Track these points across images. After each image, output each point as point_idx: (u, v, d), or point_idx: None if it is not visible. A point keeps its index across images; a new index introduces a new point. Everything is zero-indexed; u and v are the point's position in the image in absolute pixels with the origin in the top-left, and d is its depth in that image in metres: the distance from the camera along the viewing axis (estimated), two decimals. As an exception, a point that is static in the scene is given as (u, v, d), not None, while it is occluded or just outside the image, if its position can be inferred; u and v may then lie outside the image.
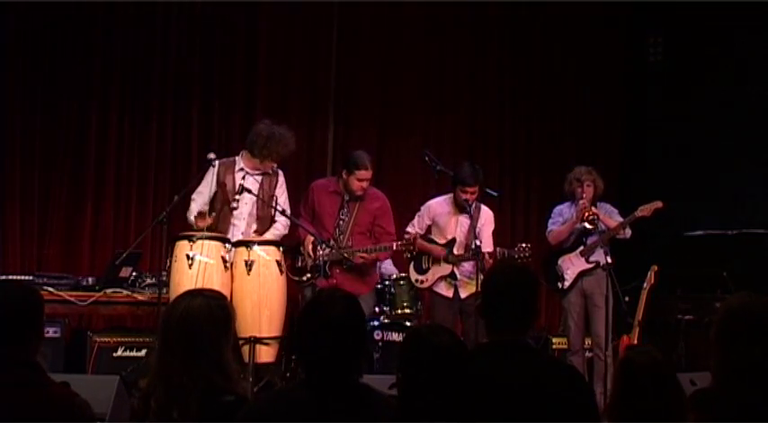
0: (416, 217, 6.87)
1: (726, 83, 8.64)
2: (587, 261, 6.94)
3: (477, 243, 6.46)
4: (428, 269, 6.81)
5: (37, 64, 7.61)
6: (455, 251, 6.71)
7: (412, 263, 6.89)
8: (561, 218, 7.11)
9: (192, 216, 6.14)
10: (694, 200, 8.15)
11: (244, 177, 6.15)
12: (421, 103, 9.04)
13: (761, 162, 8.34)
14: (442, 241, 6.77)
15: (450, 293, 6.70)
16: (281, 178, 6.32)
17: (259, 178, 6.21)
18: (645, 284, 6.99)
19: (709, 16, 8.73)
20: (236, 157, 6.26)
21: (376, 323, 7.09)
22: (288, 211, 6.27)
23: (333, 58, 8.77)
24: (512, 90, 9.40)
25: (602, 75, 9.60)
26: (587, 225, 6.82)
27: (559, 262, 7.05)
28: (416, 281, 6.89)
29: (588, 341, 7.03)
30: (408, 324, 7.19)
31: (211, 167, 6.17)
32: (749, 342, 2.88)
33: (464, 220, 6.70)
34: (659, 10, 9.01)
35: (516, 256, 6.55)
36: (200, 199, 6.17)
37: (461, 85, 9.21)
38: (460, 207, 6.69)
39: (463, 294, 6.69)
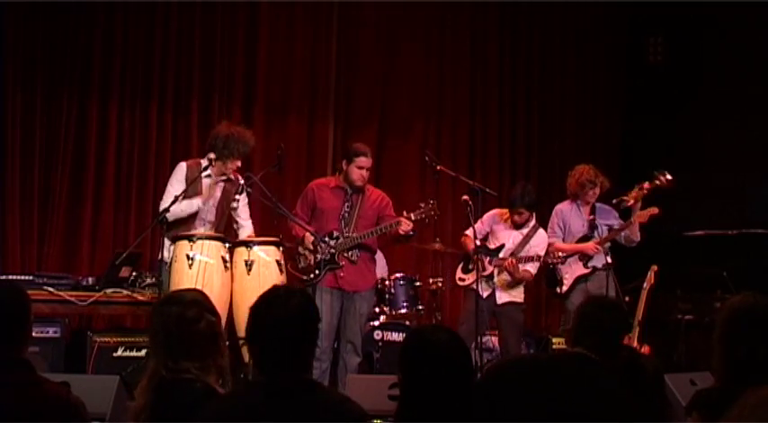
0: (478, 223, 6.89)
1: (726, 83, 8.65)
2: (585, 266, 6.98)
3: (478, 242, 6.57)
4: (472, 270, 6.91)
5: (37, 63, 7.60)
6: (500, 255, 6.87)
7: (461, 264, 7.07)
8: (562, 223, 7.12)
9: (171, 214, 6.03)
10: (694, 200, 8.16)
11: (240, 190, 6.13)
12: (421, 103, 9.05)
13: (761, 162, 8.34)
14: (492, 247, 6.93)
15: (485, 294, 6.77)
16: (242, 183, 6.28)
17: (222, 185, 6.20)
18: (645, 284, 7.00)
19: (709, 16, 8.73)
20: (202, 161, 6.20)
21: (376, 323, 7.10)
22: (248, 212, 6.32)
23: (333, 58, 8.78)
24: (511, 90, 9.40)
25: (603, 75, 9.61)
26: (585, 269, 6.95)
27: (558, 265, 7.06)
28: (459, 279, 7.05)
29: None
30: (408, 324, 7.20)
31: (179, 166, 6.21)
32: (752, 342, 2.88)
33: (518, 235, 6.91)
34: (659, 10, 9.01)
35: (549, 262, 6.84)
36: (169, 201, 6.08)
37: (461, 86, 9.21)
38: (514, 223, 6.92)
39: (500, 300, 6.82)
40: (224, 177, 6.20)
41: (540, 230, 7.00)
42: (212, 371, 3.12)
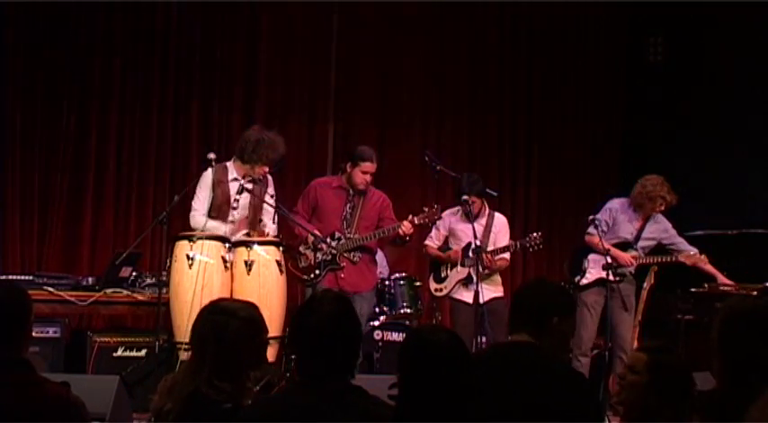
0: (433, 230, 6.87)
1: (726, 83, 8.64)
2: (613, 273, 6.76)
3: (477, 243, 6.49)
4: (446, 277, 6.84)
5: (37, 64, 7.60)
6: (470, 254, 6.71)
7: (432, 274, 6.96)
8: (611, 221, 6.92)
9: (200, 225, 6.05)
10: (694, 200, 8.16)
11: (240, 190, 6.12)
12: (421, 103, 9.04)
13: (761, 162, 8.34)
14: (458, 247, 6.81)
15: (469, 299, 6.60)
16: (271, 185, 6.28)
17: (250, 185, 6.18)
18: (645, 284, 6.99)
19: (709, 16, 8.73)
20: (228, 163, 6.22)
21: (376, 323, 7.10)
22: (276, 218, 6.26)
23: (333, 57, 8.78)
24: (512, 90, 9.40)
25: (603, 75, 9.61)
26: (613, 277, 6.76)
27: (589, 257, 6.88)
28: (435, 290, 6.92)
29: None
30: (408, 324, 7.20)
31: (205, 173, 6.18)
32: (751, 343, 2.87)
33: (478, 227, 6.70)
34: (659, 10, 9.01)
35: (528, 246, 6.68)
36: (201, 207, 6.12)
37: (461, 86, 9.21)
38: (468, 216, 6.68)
39: (484, 297, 6.52)
40: (249, 178, 6.16)
41: (497, 215, 6.90)
42: (246, 393, 3.08)
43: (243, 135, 6.29)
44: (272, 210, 6.17)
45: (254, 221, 6.21)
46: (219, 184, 6.11)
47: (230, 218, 6.16)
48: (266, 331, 3.16)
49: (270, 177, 6.28)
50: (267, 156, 6.08)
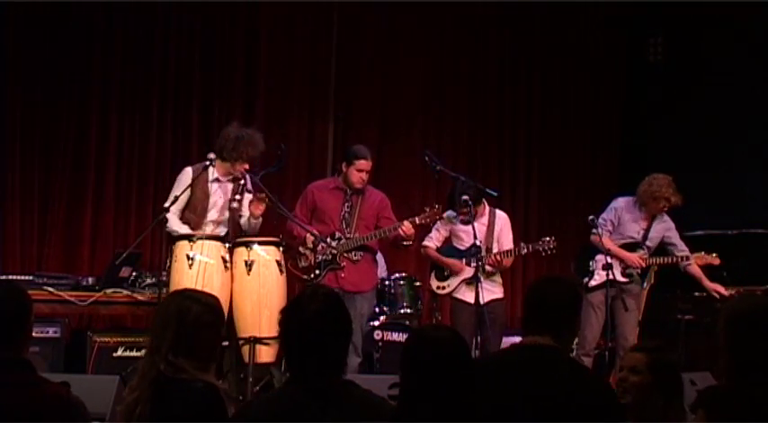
0: (433, 230, 6.80)
1: (726, 83, 8.65)
2: (622, 274, 6.81)
3: (478, 243, 6.47)
4: (449, 275, 6.77)
5: (37, 64, 7.60)
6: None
7: (433, 272, 6.89)
8: (617, 220, 6.90)
9: (175, 226, 6.03)
10: (694, 200, 8.16)
11: (241, 190, 6.11)
12: (421, 103, 9.05)
13: (761, 162, 8.35)
14: (462, 248, 6.74)
15: (471, 299, 6.50)
16: (249, 183, 6.23)
17: (230, 186, 6.16)
18: (645, 284, 6.99)
19: (709, 16, 8.73)
20: (207, 163, 6.18)
21: (376, 323, 7.10)
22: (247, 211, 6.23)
23: (333, 58, 8.78)
24: (512, 90, 9.41)
25: (603, 75, 9.61)
26: (622, 278, 6.78)
27: (596, 258, 6.81)
28: (437, 288, 6.83)
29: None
30: (408, 324, 7.19)
31: (184, 170, 6.17)
32: (757, 343, 2.87)
33: (480, 226, 6.63)
34: (659, 10, 9.01)
35: (541, 249, 6.61)
36: (175, 207, 6.07)
37: (461, 86, 9.21)
38: (468, 215, 6.60)
39: (485, 298, 6.40)
40: (230, 177, 6.17)
41: (498, 212, 6.82)
42: (210, 371, 3.16)
43: (221, 133, 6.22)
44: (245, 208, 6.13)
45: (230, 223, 6.18)
46: (197, 185, 6.09)
47: (223, 217, 6.15)
48: (223, 326, 3.32)
49: (248, 176, 6.21)
50: (247, 152, 6.04)
